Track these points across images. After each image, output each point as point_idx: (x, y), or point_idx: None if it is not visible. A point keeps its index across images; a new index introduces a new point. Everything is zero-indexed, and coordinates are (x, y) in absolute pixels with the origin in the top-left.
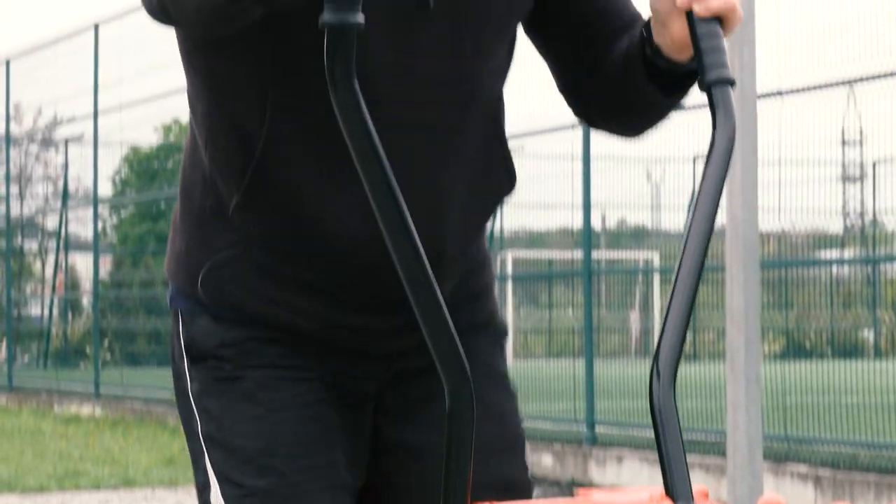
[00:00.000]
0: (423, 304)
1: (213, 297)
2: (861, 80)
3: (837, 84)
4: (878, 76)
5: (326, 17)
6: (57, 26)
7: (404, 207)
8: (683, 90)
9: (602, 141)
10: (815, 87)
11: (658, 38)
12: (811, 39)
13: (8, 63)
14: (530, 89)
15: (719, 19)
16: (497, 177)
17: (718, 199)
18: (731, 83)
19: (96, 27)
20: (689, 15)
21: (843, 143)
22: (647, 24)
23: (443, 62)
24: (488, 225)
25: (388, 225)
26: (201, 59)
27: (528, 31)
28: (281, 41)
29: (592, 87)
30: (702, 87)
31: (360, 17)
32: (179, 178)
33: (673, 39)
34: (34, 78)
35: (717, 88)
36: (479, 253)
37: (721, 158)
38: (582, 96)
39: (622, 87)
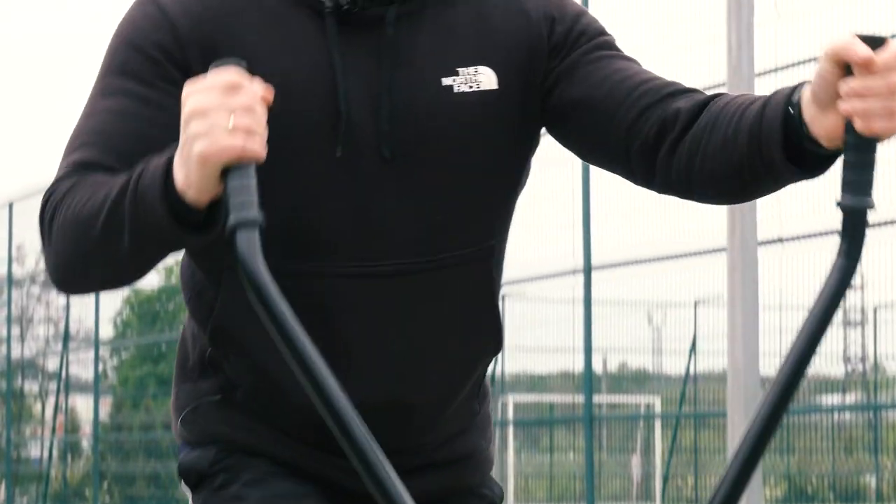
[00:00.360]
0: (356, 448)
1: (198, 434)
2: None
3: (838, 231)
4: (878, 224)
5: (231, 220)
6: None
7: (332, 385)
8: (822, 170)
9: (603, 285)
10: (815, 234)
11: (812, 115)
12: (812, 186)
13: (10, 205)
14: (531, 235)
15: (877, 137)
16: (482, 338)
17: (823, 328)
18: (867, 209)
19: None
20: (849, 122)
21: None
22: (792, 98)
23: (405, 213)
24: (488, 397)
25: (308, 382)
26: None
27: (586, 156)
28: None
29: (687, 160)
30: (838, 204)
31: (261, 216)
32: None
33: (827, 128)
34: (37, 220)
35: (851, 214)
36: (468, 415)
37: (834, 288)
38: (667, 171)
39: (743, 158)
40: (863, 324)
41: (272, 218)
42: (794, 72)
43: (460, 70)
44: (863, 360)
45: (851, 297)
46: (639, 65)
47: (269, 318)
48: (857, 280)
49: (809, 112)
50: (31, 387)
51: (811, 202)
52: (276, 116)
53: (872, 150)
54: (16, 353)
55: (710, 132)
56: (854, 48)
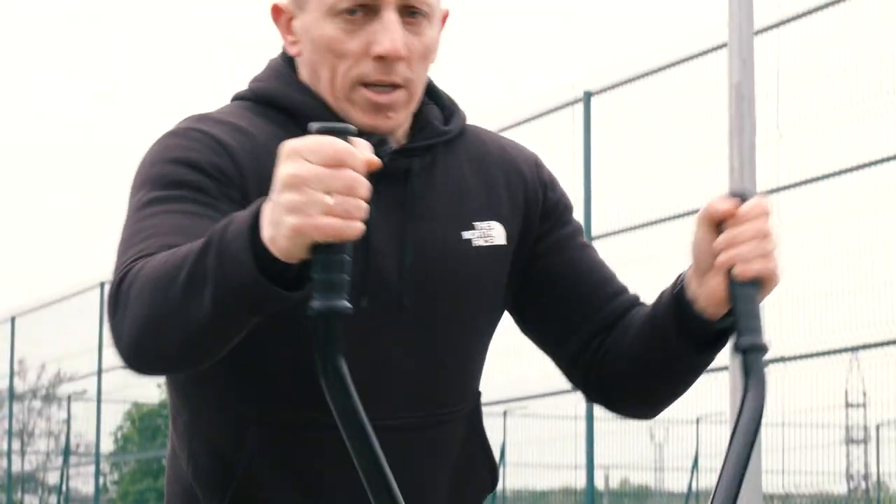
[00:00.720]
0: None
1: None
2: (864, 346)
3: (840, 351)
4: (880, 343)
5: (315, 303)
6: (62, 284)
7: (391, 478)
8: (716, 348)
9: None
10: (818, 354)
11: (695, 289)
12: (814, 307)
13: (13, 319)
14: (534, 351)
15: (758, 281)
16: (479, 473)
17: (745, 465)
18: (765, 350)
19: (102, 286)
20: (729, 273)
21: (847, 405)
22: (678, 280)
23: (416, 359)
24: None
25: (376, 495)
26: (182, 380)
27: (527, 330)
28: (260, 362)
29: (607, 363)
30: (736, 350)
31: (347, 303)
32: (165, 488)
33: (711, 294)
34: (39, 334)
35: (751, 354)
36: None
37: (750, 425)
38: (595, 376)
39: (646, 352)
40: (865, 441)
41: (282, 368)
42: (796, 192)
43: (476, 224)
44: (865, 478)
45: (854, 415)
46: (596, 252)
47: (341, 414)
48: (859, 398)
49: (693, 285)
50: (31, 501)
51: (813, 322)
52: None
53: (756, 294)
54: (16, 466)
55: (622, 334)
56: (719, 204)
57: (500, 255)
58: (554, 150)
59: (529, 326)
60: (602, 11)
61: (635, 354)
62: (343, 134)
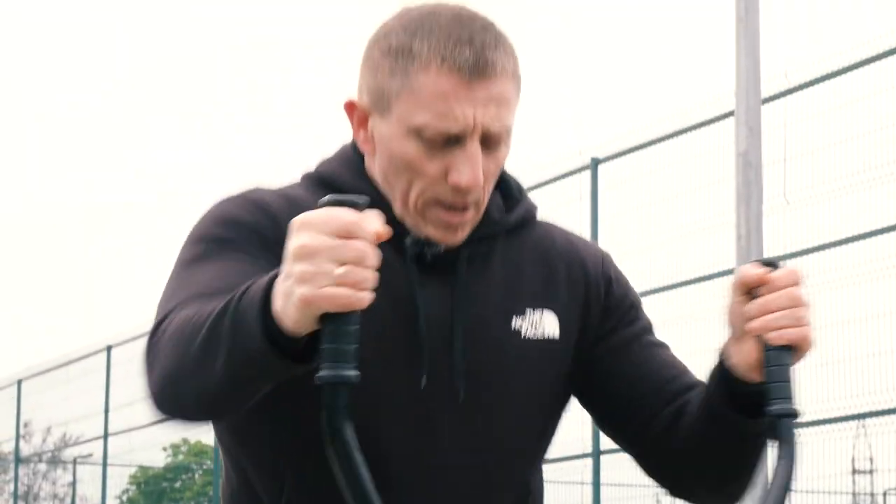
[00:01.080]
0: None
1: None
2: (871, 414)
3: (847, 418)
4: (888, 411)
5: (323, 372)
6: (69, 347)
7: None
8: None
9: (612, 469)
10: (825, 421)
11: (732, 356)
12: (822, 374)
13: (19, 382)
14: None
15: (791, 347)
16: None
17: None
18: (795, 415)
19: (108, 349)
20: (762, 339)
21: (854, 472)
22: (723, 350)
23: (464, 449)
24: None
25: None
26: (227, 439)
27: (596, 419)
28: (297, 421)
29: (679, 453)
30: (767, 413)
31: (355, 372)
32: None
33: (747, 358)
34: (44, 398)
35: (782, 421)
36: None
37: (779, 492)
38: (672, 469)
39: (706, 430)
40: None
41: (313, 426)
42: (804, 260)
43: (527, 311)
44: None
45: (861, 482)
46: (669, 349)
47: (347, 481)
48: (866, 465)
49: (730, 351)
50: None
51: (820, 389)
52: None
53: (789, 360)
54: None
55: (684, 418)
56: (751, 270)
57: (553, 348)
58: (561, 217)
59: (597, 416)
60: (610, 79)
61: (690, 433)
62: (353, 205)
